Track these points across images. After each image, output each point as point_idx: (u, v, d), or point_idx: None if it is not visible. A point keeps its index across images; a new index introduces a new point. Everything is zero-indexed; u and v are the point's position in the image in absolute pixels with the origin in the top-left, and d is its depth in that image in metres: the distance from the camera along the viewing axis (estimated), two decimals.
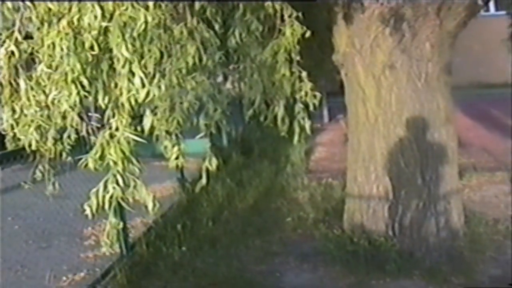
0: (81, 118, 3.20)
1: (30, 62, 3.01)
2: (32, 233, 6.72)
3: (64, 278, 5.42)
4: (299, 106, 4.24)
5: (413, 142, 5.53)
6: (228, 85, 5.29)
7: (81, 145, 3.62)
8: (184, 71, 3.18)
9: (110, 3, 2.59)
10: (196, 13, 3.40)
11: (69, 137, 3.55)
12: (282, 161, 9.93)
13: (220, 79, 4.25)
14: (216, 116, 3.67)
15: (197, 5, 3.42)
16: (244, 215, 7.11)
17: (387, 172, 5.64)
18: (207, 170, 3.40)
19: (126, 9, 2.59)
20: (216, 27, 3.68)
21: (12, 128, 3.17)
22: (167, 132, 3.06)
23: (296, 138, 5.38)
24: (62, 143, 3.65)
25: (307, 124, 4.34)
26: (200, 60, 3.27)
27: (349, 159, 6.23)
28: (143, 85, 2.59)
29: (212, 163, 3.39)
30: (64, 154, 3.87)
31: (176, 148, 2.97)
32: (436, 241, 5.52)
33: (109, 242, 3.10)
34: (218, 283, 5.18)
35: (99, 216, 3.06)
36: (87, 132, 3.82)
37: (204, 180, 3.45)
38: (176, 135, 2.99)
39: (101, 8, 2.58)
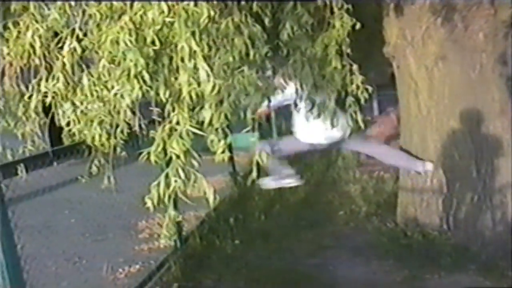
0: (133, 113, 3.26)
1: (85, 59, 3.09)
2: (88, 226, 6.86)
3: (120, 270, 5.53)
4: (350, 99, 4.22)
5: (467, 134, 5.45)
6: (278, 78, 5.29)
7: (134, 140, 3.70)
8: (231, 65, 3.21)
9: None
10: (243, 7, 3.42)
11: (122, 131, 3.63)
12: (333, 154, 9.89)
13: (269, 73, 4.26)
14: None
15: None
16: (295, 209, 7.12)
17: (440, 165, 5.57)
18: (258, 164, 3.41)
19: (188, 4, 2.64)
20: (266, 21, 3.68)
21: (74, 123, 3.25)
22: (213, 125, 3.09)
23: (348, 132, 5.38)
24: (116, 138, 3.73)
25: (359, 118, 4.32)
26: (247, 54, 3.29)
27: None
28: (209, 78, 2.63)
29: (263, 157, 3.40)
30: (118, 149, 3.95)
31: (222, 142, 2.98)
32: (492, 235, 5.43)
33: (168, 234, 3.16)
34: (271, 276, 5.21)
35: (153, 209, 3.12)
36: (140, 127, 3.90)
37: (255, 174, 3.46)
38: (223, 129, 3.01)
39: (166, 3, 2.63)
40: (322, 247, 5.92)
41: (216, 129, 2.85)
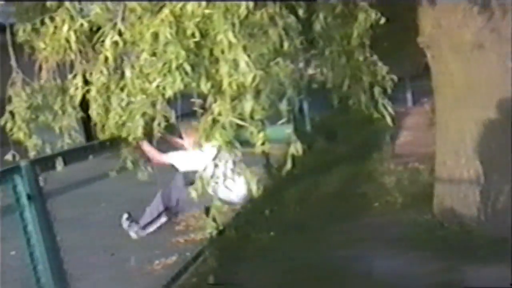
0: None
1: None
2: None
3: (157, 261, 5.59)
4: (378, 90, 4.21)
5: (505, 124, 5.37)
6: (311, 70, 5.29)
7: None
8: (266, 56, 3.22)
9: None
10: None
11: (159, 124, 3.67)
12: (367, 145, 9.85)
13: (301, 64, 4.26)
14: (297, 101, 3.69)
15: None
16: (330, 200, 7.11)
17: (477, 156, 5.50)
18: (292, 155, 3.41)
19: None
20: (300, 12, 3.68)
21: (120, 116, 3.31)
22: (253, 117, 3.10)
23: (389, 120, 5.33)
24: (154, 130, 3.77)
25: (389, 108, 4.30)
26: (282, 45, 3.30)
27: (437, 142, 6.11)
28: (250, 70, 2.65)
29: (298, 149, 3.41)
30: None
31: (261, 134, 3.00)
32: None
33: (214, 225, 3.19)
34: (306, 267, 5.21)
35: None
36: (177, 119, 3.94)
37: (289, 165, 3.47)
38: (261, 121, 3.03)
39: None
40: (358, 239, 5.89)
41: (257, 121, 2.87)
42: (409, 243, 5.57)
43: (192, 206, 6.02)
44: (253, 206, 6.62)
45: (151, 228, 6.37)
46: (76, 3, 3.38)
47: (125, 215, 6.48)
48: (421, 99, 15.63)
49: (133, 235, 6.33)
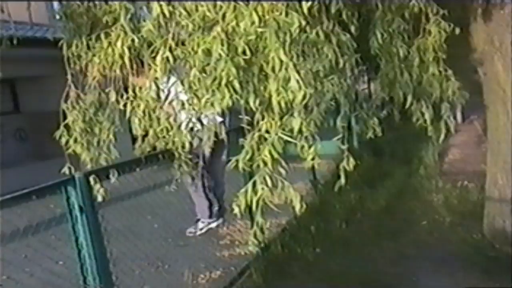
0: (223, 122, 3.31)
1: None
2: (170, 231, 6.94)
3: (202, 275, 5.59)
4: (445, 106, 4.16)
5: None
6: (362, 85, 5.27)
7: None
8: (321, 73, 3.22)
9: (266, 7, 2.68)
10: (332, 16, 3.42)
11: (208, 139, 3.70)
12: (414, 162, 9.72)
13: (351, 80, 4.24)
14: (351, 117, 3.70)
15: (333, 8, 3.44)
16: (377, 217, 7.04)
17: None
18: (345, 170, 3.40)
19: (280, 13, 2.67)
20: (352, 29, 3.68)
21: (167, 130, 3.35)
22: (302, 133, 3.10)
23: (442, 137, 5.25)
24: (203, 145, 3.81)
25: (451, 124, 4.25)
26: (337, 63, 3.30)
27: (488, 161, 6.00)
28: (300, 87, 2.65)
29: (350, 164, 3.40)
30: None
31: (312, 149, 2.99)
32: None
33: (256, 241, 3.18)
34: (352, 285, 5.16)
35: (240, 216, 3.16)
36: (227, 135, 3.96)
37: (342, 181, 3.46)
38: (312, 136, 3.03)
39: (258, 14, 2.67)
40: (405, 257, 5.81)
41: (306, 137, 2.87)
42: (458, 263, 5.47)
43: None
44: (298, 222, 6.59)
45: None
46: (129, 21, 3.44)
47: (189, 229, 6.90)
48: (471, 116, 15.41)
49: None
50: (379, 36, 3.77)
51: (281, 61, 2.65)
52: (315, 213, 7.07)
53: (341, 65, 3.31)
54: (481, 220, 6.03)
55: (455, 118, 15.39)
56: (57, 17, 4.50)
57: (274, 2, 2.70)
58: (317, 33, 3.10)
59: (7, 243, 5.50)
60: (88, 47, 3.86)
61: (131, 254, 5.63)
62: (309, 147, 2.95)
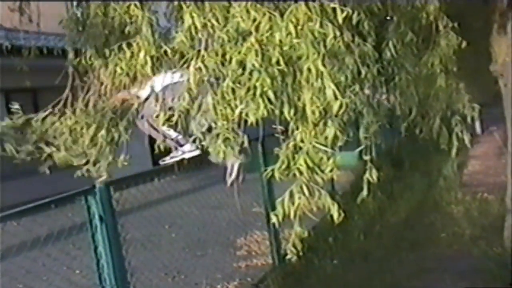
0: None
1: None
2: (188, 241, 6.96)
3: (219, 286, 5.58)
4: (456, 119, 4.12)
5: None
6: (380, 96, 5.27)
7: None
8: (343, 84, 3.21)
9: (301, 18, 2.68)
10: (352, 26, 3.41)
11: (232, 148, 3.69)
12: (434, 174, 9.66)
13: (367, 91, 4.23)
14: (373, 128, 3.68)
15: (354, 19, 3.44)
16: (396, 229, 6.99)
17: None
18: (368, 182, 3.39)
19: (315, 24, 2.67)
20: (369, 40, 3.67)
21: (200, 141, 3.36)
22: (322, 144, 3.10)
23: (454, 151, 5.24)
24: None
25: (466, 137, 4.20)
26: (359, 73, 3.29)
27: (509, 173, 5.94)
28: (336, 97, 2.66)
29: (373, 175, 3.38)
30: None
31: (331, 161, 2.98)
32: None
33: (294, 251, 3.16)
34: None
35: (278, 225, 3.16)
36: (249, 143, 3.95)
37: (365, 192, 3.45)
38: (332, 148, 3.02)
39: (293, 24, 2.68)
40: (424, 270, 5.75)
41: (340, 147, 2.87)
42: (479, 276, 5.40)
43: None
44: (317, 233, 6.56)
45: None
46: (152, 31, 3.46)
47: None
48: (490, 128, 15.31)
49: None
50: (392, 47, 3.77)
51: (318, 71, 2.65)
52: (333, 224, 7.02)
53: (362, 75, 3.30)
54: (501, 232, 5.96)
55: (473, 129, 15.35)
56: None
57: (309, 13, 2.70)
58: (338, 44, 3.09)
59: (28, 252, 5.53)
60: (105, 57, 3.87)
61: (146, 263, 5.64)
62: (328, 158, 2.94)
